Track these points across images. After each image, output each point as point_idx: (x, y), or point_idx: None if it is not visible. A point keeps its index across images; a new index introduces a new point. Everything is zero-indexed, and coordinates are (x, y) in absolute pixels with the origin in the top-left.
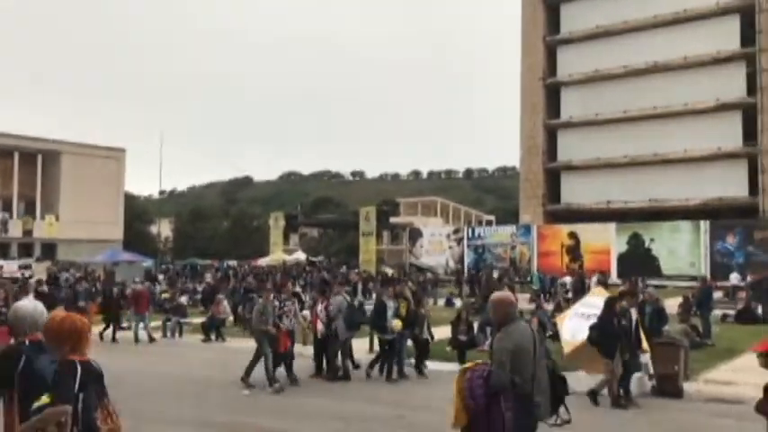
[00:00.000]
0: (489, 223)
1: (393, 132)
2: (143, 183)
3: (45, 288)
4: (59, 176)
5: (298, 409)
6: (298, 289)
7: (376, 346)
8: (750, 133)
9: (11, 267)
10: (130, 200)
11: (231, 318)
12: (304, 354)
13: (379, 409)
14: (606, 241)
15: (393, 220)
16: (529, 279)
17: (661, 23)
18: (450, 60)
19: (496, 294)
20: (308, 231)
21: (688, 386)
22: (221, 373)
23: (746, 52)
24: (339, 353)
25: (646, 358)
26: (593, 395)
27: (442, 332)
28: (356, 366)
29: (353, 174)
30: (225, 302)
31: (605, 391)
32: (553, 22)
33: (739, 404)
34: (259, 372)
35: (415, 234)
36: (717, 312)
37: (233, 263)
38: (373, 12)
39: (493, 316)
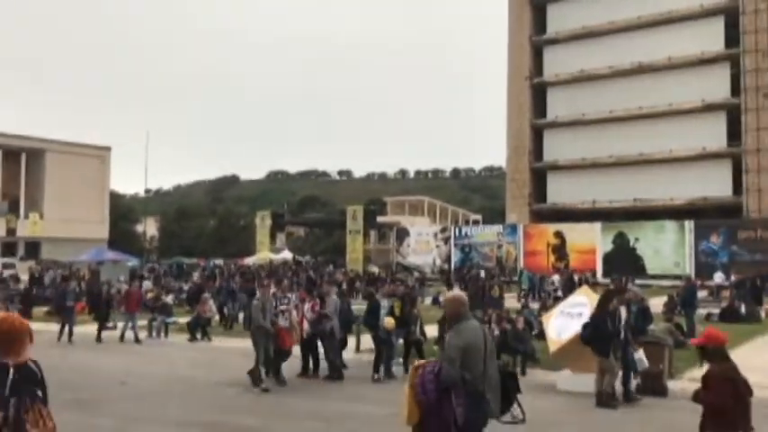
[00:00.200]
0: (476, 223)
1: (380, 132)
2: (128, 181)
3: (21, 287)
4: (44, 175)
5: (282, 409)
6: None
7: (362, 345)
8: (734, 133)
9: None
10: (116, 198)
11: (217, 317)
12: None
13: (362, 408)
14: (592, 241)
15: (380, 219)
16: (517, 278)
17: (646, 24)
18: (438, 60)
19: (449, 294)
20: (294, 230)
21: (672, 384)
22: (207, 372)
23: (731, 53)
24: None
25: (640, 354)
26: (607, 397)
27: (430, 331)
28: (344, 366)
29: (340, 173)
30: (211, 302)
31: (620, 386)
32: (540, 23)
33: None
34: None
35: (402, 233)
36: (701, 311)
37: (219, 262)
38: (360, 11)
39: (446, 314)
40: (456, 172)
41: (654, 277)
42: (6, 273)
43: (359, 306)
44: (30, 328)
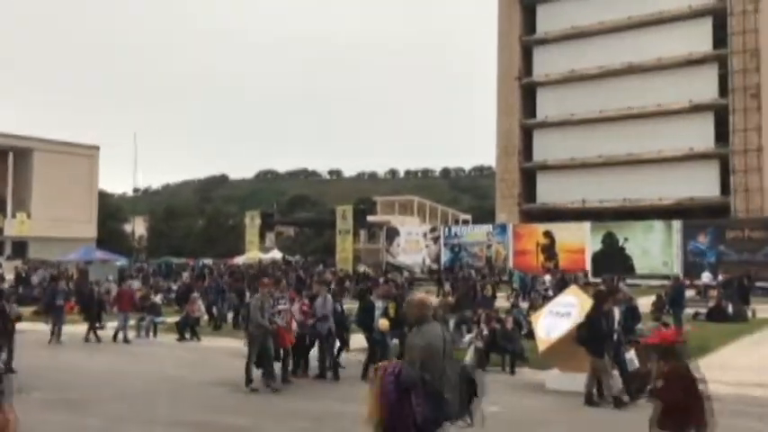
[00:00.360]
0: (466, 222)
1: (370, 131)
2: (117, 181)
3: (5, 286)
4: (31, 174)
5: (273, 409)
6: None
7: (353, 345)
8: (722, 134)
9: None
10: (104, 198)
11: (206, 317)
12: None
13: (355, 408)
14: (581, 240)
15: (370, 218)
16: (508, 278)
17: (636, 25)
18: (429, 61)
19: (413, 296)
20: (284, 230)
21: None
22: (196, 372)
23: (719, 54)
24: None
25: (631, 354)
26: (616, 400)
27: None
28: (341, 366)
29: (330, 172)
30: (199, 301)
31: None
32: (529, 23)
33: (710, 401)
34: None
35: (392, 233)
36: (689, 311)
37: (208, 262)
38: (352, 12)
39: (409, 316)
40: (446, 172)
41: (642, 277)
42: None
43: (349, 305)
44: None
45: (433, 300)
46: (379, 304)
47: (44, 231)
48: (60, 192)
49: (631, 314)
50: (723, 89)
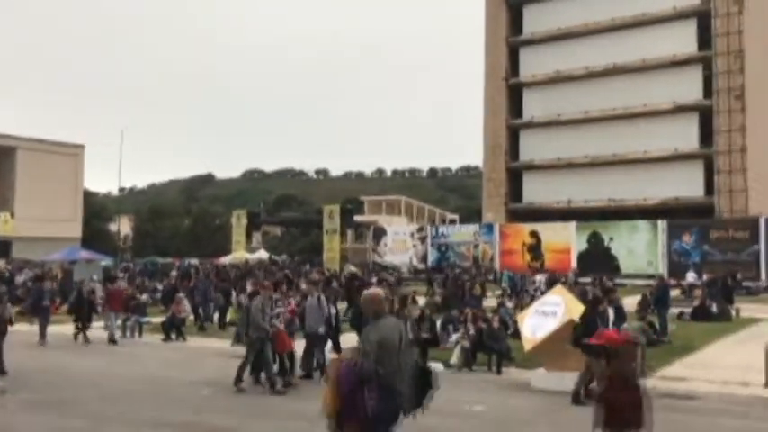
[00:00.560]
0: (453, 222)
1: (358, 131)
2: (102, 180)
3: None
4: (15, 173)
5: (260, 408)
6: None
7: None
8: (706, 135)
9: None
10: (89, 197)
11: (192, 317)
12: None
13: None
14: (566, 240)
15: (357, 218)
16: (493, 277)
17: (621, 26)
18: (414, 60)
19: (368, 291)
20: (270, 230)
21: (645, 382)
22: (182, 372)
23: (703, 55)
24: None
25: None
26: (574, 396)
27: None
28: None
29: (317, 172)
30: (185, 301)
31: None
32: (516, 23)
33: (693, 400)
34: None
35: (379, 232)
36: (673, 310)
37: (194, 261)
38: (338, 11)
39: (364, 311)
40: (433, 171)
41: (627, 276)
42: None
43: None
44: None
45: (421, 299)
46: None
47: (28, 231)
48: (44, 191)
49: (617, 313)
50: (707, 90)
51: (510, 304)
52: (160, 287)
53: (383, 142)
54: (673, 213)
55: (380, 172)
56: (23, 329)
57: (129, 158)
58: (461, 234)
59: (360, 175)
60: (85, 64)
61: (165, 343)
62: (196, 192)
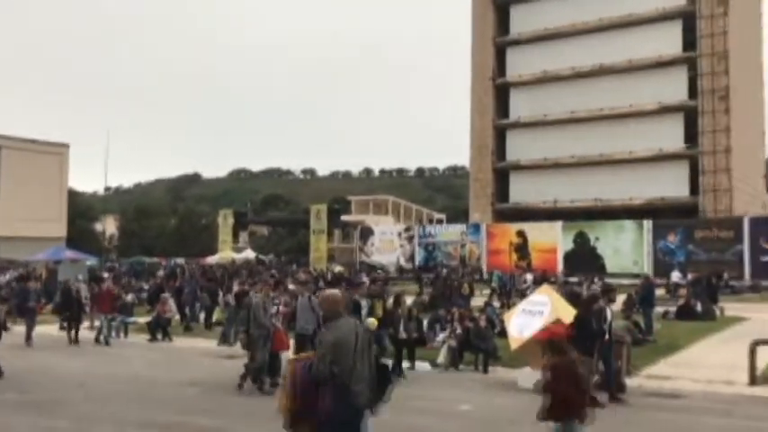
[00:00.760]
0: (440, 222)
1: (345, 130)
2: (88, 179)
3: None
4: None
5: (246, 409)
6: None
7: None
8: (691, 135)
9: None
10: (74, 196)
11: (177, 317)
12: None
13: None
14: (553, 240)
15: (344, 218)
16: (479, 277)
17: (607, 27)
18: (402, 60)
19: (325, 293)
20: (257, 230)
21: (630, 381)
22: (167, 373)
23: (688, 56)
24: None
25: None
26: (592, 400)
27: None
28: None
29: (304, 171)
30: (171, 301)
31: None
32: (503, 23)
33: (678, 398)
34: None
35: (367, 232)
36: (658, 309)
37: (181, 261)
38: (325, 11)
39: (322, 312)
40: (420, 171)
41: (613, 276)
42: None
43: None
44: None
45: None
46: (363, 303)
47: (12, 231)
48: (29, 190)
49: None
50: (692, 91)
51: (497, 304)
52: (146, 287)
53: (370, 142)
54: (658, 213)
55: (368, 172)
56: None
57: (116, 158)
58: (448, 234)
59: (347, 175)
60: (66, 62)
61: (150, 343)
62: (182, 191)
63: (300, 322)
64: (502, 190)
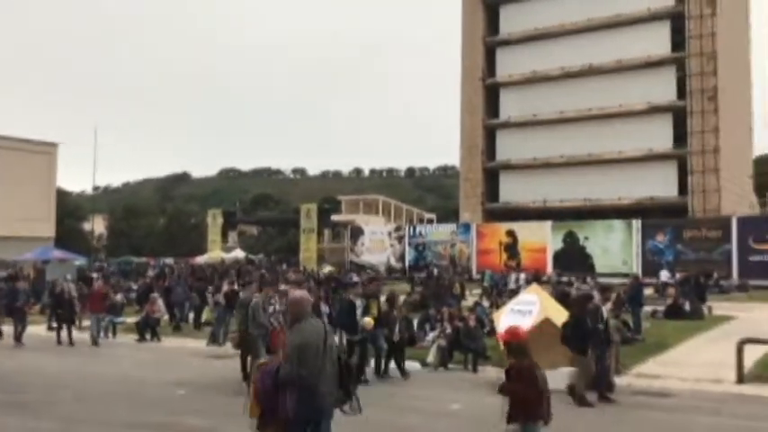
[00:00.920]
0: (430, 221)
1: (335, 130)
2: (76, 178)
3: None
4: None
5: (235, 409)
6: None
7: None
8: (680, 135)
9: None
10: (62, 196)
11: (166, 317)
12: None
13: None
14: (543, 239)
15: (334, 217)
16: (471, 277)
17: (596, 27)
18: (392, 59)
19: (292, 295)
20: (247, 229)
21: (619, 380)
22: (156, 373)
23: (677, 57)
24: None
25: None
26: (580, 399)
27: None
28: None
29: (294, 171)
30: (159, 301)
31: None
32: (493, 24)
33: (667, 397)
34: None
35: (357, 232)
36: (647, 308)
37: (170, 261)
38: (316, 10)
39: (289, 314)
40: (411, 171)
41: (602, 275)
42: None
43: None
44: None
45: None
46: (358, 303)
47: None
48: (17, 190)
49: None
50: (681, 91)
51: (486, 303)
52: (135, 287)
53: (361, 142)
54: (647, 213)
55: (358, 171)
56: None
57: (104, 157)
58: (439, 233)
59: (337, 175)
60: (55, 61)
61: (139, 343)
62: (171, 190)
63: None
64: (492, 190)
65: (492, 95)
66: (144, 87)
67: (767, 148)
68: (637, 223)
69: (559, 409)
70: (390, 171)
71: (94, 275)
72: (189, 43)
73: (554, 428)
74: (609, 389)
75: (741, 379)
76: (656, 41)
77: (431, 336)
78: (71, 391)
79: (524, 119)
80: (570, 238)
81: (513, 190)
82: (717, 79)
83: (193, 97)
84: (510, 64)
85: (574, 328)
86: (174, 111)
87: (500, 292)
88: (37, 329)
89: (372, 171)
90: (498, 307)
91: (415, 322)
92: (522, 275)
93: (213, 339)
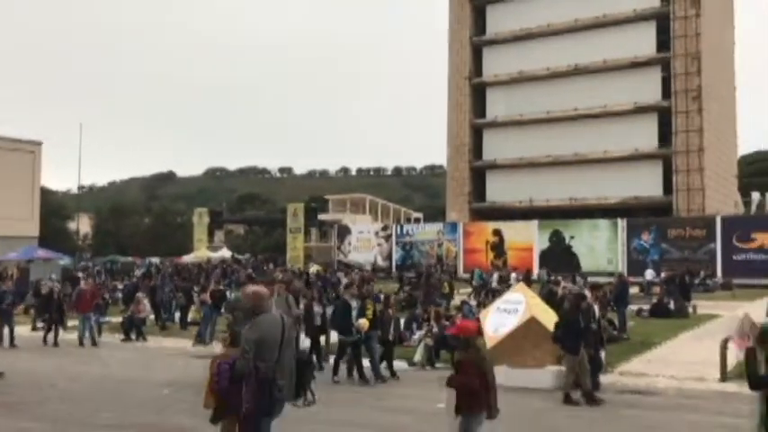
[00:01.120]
0: (417, 221)
1: (322, 128)
2: (61, 177)
3: None
4: None
5: None
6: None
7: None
8: (665, 135)
9: None
10: (47, 195)
11: (152, 317)
12: None
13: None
14: (529, 238)
15: (321, 216)
16: (456, 276)
17: (582, 27)
18: (380, 59)
19: (250, 288)
20: (233, 228)
21: (605, 378)
22: (142, 373)
23: (662, 57)
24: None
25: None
26: (566, 397)
27: None
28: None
29: (281, 170)
30: (145, 301)
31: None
32: (480, 23)
33: (652, 395)
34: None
35: (344, 231)
36: (632, 307)
37: (156, 260)
38: (304, 9)
39: (246, 308)
40: (398, 170)
41: (588, 274)
42: None
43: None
44: None
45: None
46: (353, 304)
47: None
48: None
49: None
50: (666, 91)
51: (473, 302)
52: (120, 286)
53: (348, 141)
54: (632, 212)
55: (345, 170)
56: None
57: (90, 156)
58: (426, 233)
59: (324, 174)
60: (41, 59)
61: (124, 343)
62: (157, 189)
63: None
64: (479, 189)
65: (479, 95)
66: (130, 86)
67: (751, 147)
68: (622, 222)
69: (545, 407)
70: (377, 170)
71: (80, 275)
72: (175, 43)
73: (540, 427)
74: (594, 387)
75: (725, 377)
76: (642, 42)
77: (417, 335)
78: (56, 391)
79: (511, 118)
80: (556, 238)
81: (499, 189)
82: (701, 79)
83: (180, 96)
84: (497, 64)
85: (566, 327)
86: (161, 110)
87: (489, 292)
88: (21, 330)
89: (359, 170)
90: (485, 306)
91: (402, 321)
92: (513, 275)
93: (199, 339)
